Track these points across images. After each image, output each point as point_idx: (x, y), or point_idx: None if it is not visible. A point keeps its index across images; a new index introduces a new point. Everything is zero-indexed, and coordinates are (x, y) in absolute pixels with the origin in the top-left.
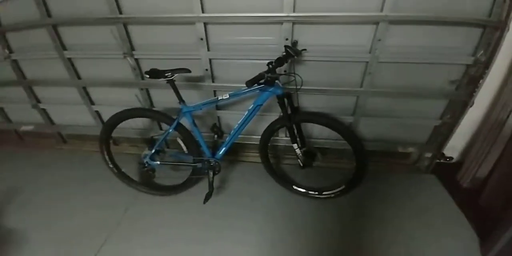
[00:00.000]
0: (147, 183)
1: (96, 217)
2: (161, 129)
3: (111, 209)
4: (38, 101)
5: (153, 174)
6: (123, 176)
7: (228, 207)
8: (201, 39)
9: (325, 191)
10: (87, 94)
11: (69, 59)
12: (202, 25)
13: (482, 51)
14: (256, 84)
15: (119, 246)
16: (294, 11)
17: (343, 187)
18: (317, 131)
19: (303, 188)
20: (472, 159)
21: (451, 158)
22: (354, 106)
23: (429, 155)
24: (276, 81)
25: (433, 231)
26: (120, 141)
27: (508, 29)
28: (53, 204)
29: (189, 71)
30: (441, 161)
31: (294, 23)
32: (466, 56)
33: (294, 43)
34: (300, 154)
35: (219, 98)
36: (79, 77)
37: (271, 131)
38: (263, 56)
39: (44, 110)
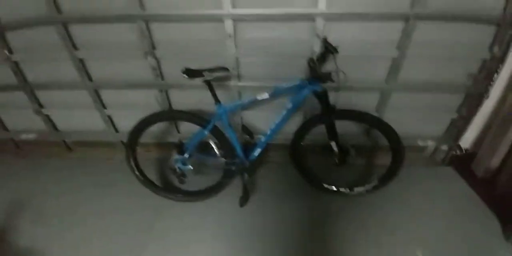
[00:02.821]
0: (175, 189)
1: (120, 236)
2: (178, 132)
3: (136, 225)
4: (41, 106)
5: (184, 180)
6: (149, 184)
7: (264, 211)
8: (229, 36)
9: (356, 188)
10: (99, 97)
11: (80, 59)
12: (231, 22)
13: (497, 46)
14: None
15: None
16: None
17: (375, 183)
18: (348, 128)
19: (334, 186)
20: (486, 150)
21: (466, 149)
22: (377, 101)
23: (445, 147)
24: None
25: (458, 217)
26: None
27: None
28: (69, 219)
29: (228, 70)
30: (457, 152)
31: (327, 19)
32: (484, 51)
33: (325, 40)
34: (337, 152)
35: (258, 98)
36: (90, 79)
37: (306, 129)
38: (292, 54)
39: (47, 116)
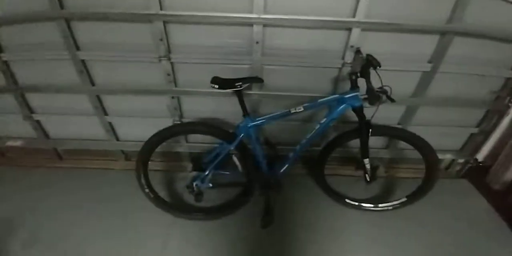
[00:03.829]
0: (188, 207)
1: None
2: (187, 141)
3: (143, 247)
4: (31, 111)
5: (201, 198)
6: (161, 202)
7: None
8: (257, 42)
9: (381, 204)
10: (101, 103)
11: (83, 61)
12: (261, 27)
13: None
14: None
15: None
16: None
17: (404, 199)
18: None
19: (356, 201)
20: (502, 163)
21: (481, 162)
22: (401, 114)
23: (461, 160)
24: (357, 93)
25: (473, 230)
26: (133, 156)
27: None
28: (63, 245)
29: (262, 81)
30: (474, 165)
31: (363, 29)
32: (507, 69)
33: (358, 51)
34: (369, 169)
35: (291, 111)
36: (92, 83)
37: (338, 143)
38: (321, 64)
39: (38, 122)
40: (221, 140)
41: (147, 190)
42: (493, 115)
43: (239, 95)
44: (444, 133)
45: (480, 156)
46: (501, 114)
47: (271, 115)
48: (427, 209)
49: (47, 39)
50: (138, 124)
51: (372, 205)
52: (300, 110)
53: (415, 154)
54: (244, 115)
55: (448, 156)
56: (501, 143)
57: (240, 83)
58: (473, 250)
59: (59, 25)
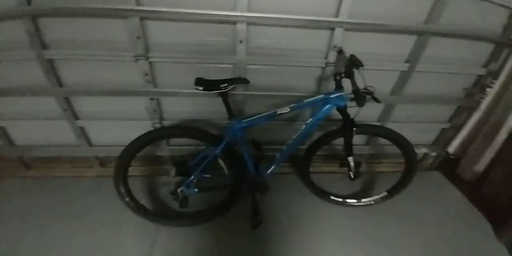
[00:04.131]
0: (172, 213)
1: None
2: (168, 144)
3: None
4: None
5: (187, 204)
6: (142, 211)
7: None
8: (241, 41)
9: (364, 199)
10: (70, 105)
11: (50, 60)
12: (245, 25)
13: (493, 64)
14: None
15: None
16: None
17: (384, 194)
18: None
19: (341, 198)
20: (472, 155)
21: (454, 155)
22: (380, 112)
23: (433, 153)
24: (342, 93)
25: (449, 219)
26: (108, 162)
27: None
28: None
29: (247, 82)
30: (445, 158)
31: (345, 29)
32: (479, 67)
33: (340, 51)
34: (353, 166)
35: (278, 112)
36: (60, 84)
37: (324, 142)
38: (304, 63)
39: (2, 128)
40: (207, 143)
41: (127, 199)
42: (463, 110)
43: (224, 96)
44: (418, 128)
45: (451, 149)
46: (471, 110)
47: (257, 116)
48: (405, 202)
49: (11, 38)
50: (113, 127)
51: (355, 201)
52: (286, 111)
53: (393, 149)
54: (230, 117)
55: (422, 150)
56: (470, 137)
57: (226, 85)
58: (451, 237)
59: (25, 22)
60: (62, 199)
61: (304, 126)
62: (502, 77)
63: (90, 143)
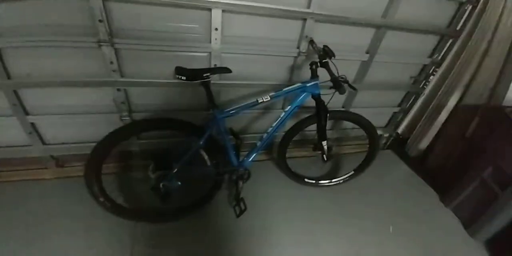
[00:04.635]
0: (153, 210)
1: None
2: (138, 138)
3: None
4: None
5: (169, 199)
6: (120, 210)
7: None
8: (216, 29)
9: (334, 179)
10: (19, 99)
11: None
12: (220, 12)
13: (438, 54)
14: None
15: None
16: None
17: (352, 172)
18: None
19: (313, 179)
20: (417, 135)
21: (402, 135)
22: (344, 99)
23: (386, 134)
24: (317, 82)
25: (402, 187)
26: (66, 161)
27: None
28: None
29: (230, 71)
30: (395, 138)
31: (316, 20)
32: (425, 57)
33: (311, 41)
34: (326, 150)
35: (259, 101)
36: (8, 76)
37: (299, 128)
38: (278, 53)
39: None
40: (189, 134)
41: (101, 199)
42: (411, 96)
43: (207, 86)
44: (375, 112)
45: (400, 130)
46: (417, 95)
47: (239, 105)
48: (365, 178)
49: None
50: (71, 123)
51: (327, 181)
52: (267, 100)
53: (354, 132)
54: (212, 107)
55: (379, 132)
56: (416, 119)
57: (208, 74)
58: (404, 205)
59: None
60: (19, 205)
61: (283, 113)
62: (443, 66)
63: (43, 142)
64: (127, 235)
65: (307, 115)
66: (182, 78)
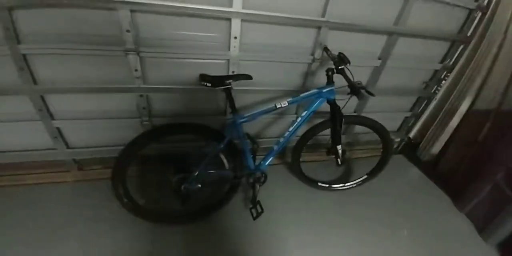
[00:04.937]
0: (173, 212)
1: None
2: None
3: None
4: None
5: (189, 201)
6: (142, 212)
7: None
8: (235, 37)
9: (347, 183)
10: (46, 105)
11: (24, 55)
12: (239, 22)
13: (449, 60)
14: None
15: None
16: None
17: (365, 176)
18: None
19: (327, 183)
20: (429, 139)
21: (414, 140)
22: (356, 104)
23: (398, 139)
24: (333, 87)
25: (415, 192)
26: (86, 164)
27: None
28: None
29: (251, 78)
30: (407, 143)
31: (330, 28)
32: (436, 63)
33: (325, 48)
34: (340, 154)
35: (277, 106)
36: (35, 82)
37: (314, 133)
38: (292, 59)
39: None
40: (210, 139)
41: (125, 200)
42: (422, 101)
43: (228, 92)
44: (386, 117)
45: (412, 134)
46: (429, 100)
47: (258, 110)
48: (377, 183)
49: None
50: (94, 127)
51: (341, 185)
52: (285, 105)
53: (366, 137)
54: (232, 112)
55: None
56: (427, 123)
57: (231, 81)
58: (419, 205)
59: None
60: (42, 207)
61: (300, 118)
62: (455, 71)
63: (68, 145)
64: (146, 235)
65: (320, 120)
66: (207, 84)
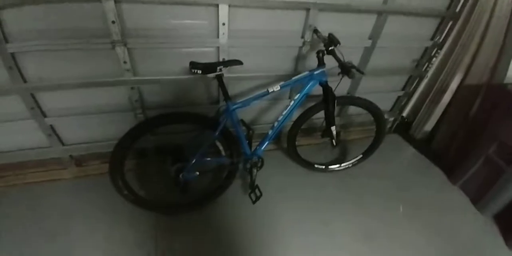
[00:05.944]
0: (173, 202)
1: None
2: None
3: None
4: None
5: (187, 189)
6: (142, 202)
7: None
8: (223, 24)
9: (343, 163)
10: (37, 103)
11: (12, 54)
12: (227, 7)
13: (439, 36)
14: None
15: None
16: None
17: (360, 156)
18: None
19: (323, 165)
20: (422, 117)
21: (407, 118)
22: (349, 85)
23: (391, 118)
24: (324, 69)
25: (410, 169)
26: (83, 160)
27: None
28: None
29: (241, 63)
30: (400, 122)
31: (320, 9)
32: (426, 40)
33: (315, 30)
34: (335, 135)
35: (269, 91)
36: (24, 80)
37: (308, 116)
38: (282, 43)
39: None
40: (204, 127)
41: (125, 192)
42: (414, 79)
43: (220, 79)
44: (379, 97)
45: (405, 113)
46: (421, 78)
47: (250, 96)
48: (372, 163)
49: None
50: (88, 123)
51: (337, 166)
52: (277, 89)
53: (361, 118)
54: (225, 99)
55: (385, 117)
56: (420, 102)
57: (221, 67)
58: (414, 182)
59: None
60: (42, 207)
61: (292, 102)
62: (445, 48)
63: (62, 142)
64: (149, 225)
65: (312, 104)
66: (198, 72)
